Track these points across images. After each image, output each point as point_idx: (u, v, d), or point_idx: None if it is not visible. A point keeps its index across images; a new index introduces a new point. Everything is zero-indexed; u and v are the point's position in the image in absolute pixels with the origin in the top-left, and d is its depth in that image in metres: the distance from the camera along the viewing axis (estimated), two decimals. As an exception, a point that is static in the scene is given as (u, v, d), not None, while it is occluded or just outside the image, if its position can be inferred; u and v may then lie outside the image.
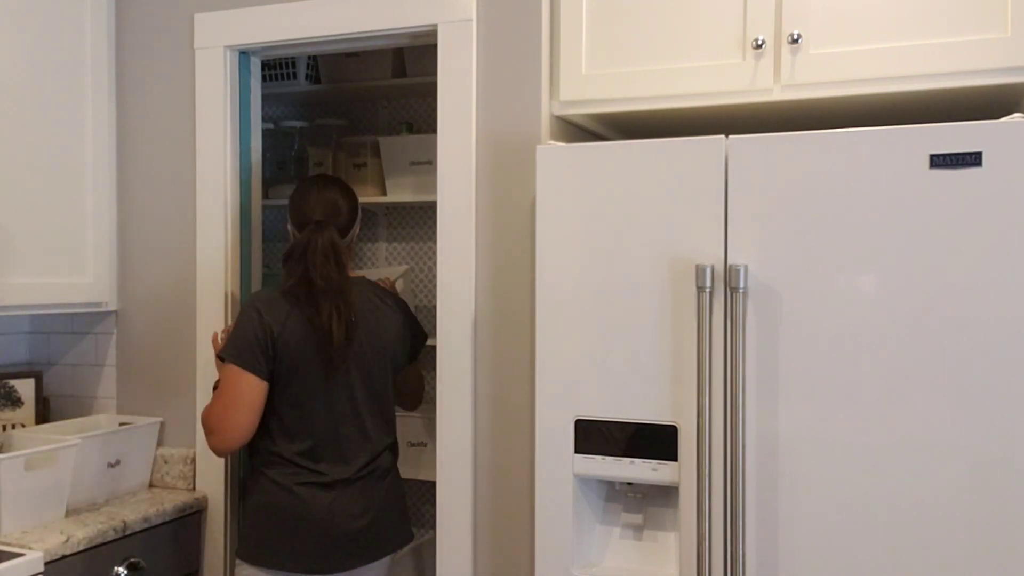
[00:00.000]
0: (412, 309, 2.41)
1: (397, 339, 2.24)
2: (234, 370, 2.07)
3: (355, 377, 2.15)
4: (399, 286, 2.35)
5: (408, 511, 2.43)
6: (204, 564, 2.47)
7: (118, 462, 2.42)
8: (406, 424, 2.94)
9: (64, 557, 2.05)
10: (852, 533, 1.68)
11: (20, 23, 2.34)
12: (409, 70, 2.99)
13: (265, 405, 2.11)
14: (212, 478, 2.47)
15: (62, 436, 2.28)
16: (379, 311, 2.21)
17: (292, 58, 3.04)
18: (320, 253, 2.10)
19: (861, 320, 1.67)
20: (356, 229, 2.26)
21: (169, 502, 2.37)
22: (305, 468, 2.12)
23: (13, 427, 2.54)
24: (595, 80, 2.05)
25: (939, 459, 1.63)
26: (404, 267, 2.17)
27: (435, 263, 2.29)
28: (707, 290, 1.74)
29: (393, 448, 2.27)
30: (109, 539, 2.17)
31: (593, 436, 1.86)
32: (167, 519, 2.34)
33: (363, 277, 2.29)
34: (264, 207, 2.65)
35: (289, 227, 2.26)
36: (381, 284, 2.35)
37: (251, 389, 2.07)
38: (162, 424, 2.54)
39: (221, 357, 2.11)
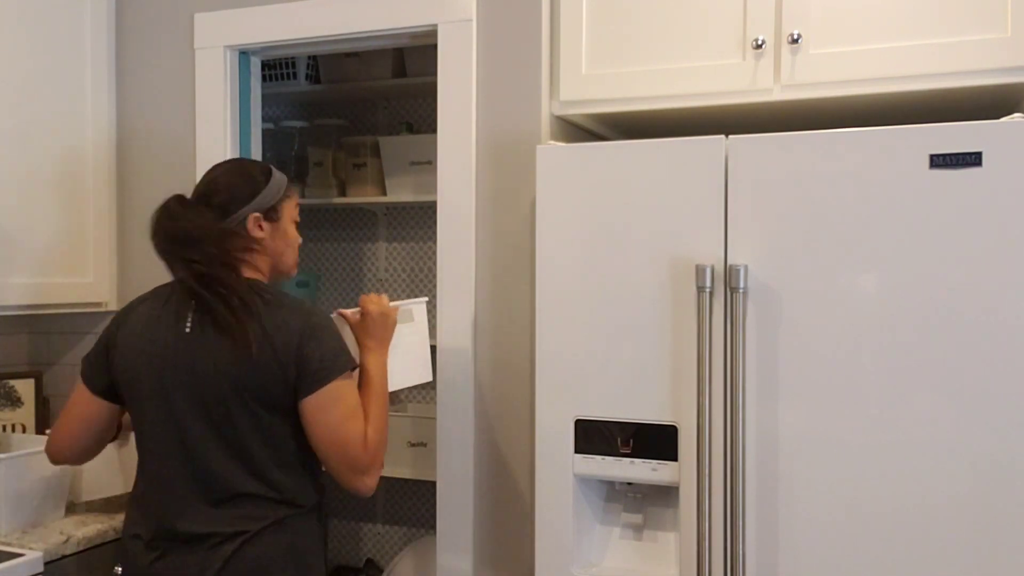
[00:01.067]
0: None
1: (262, 366, 1.66)
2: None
3: (188, 405, 1.68)
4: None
5: None
6: (204, 564, 2.46)
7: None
8: (406, 424, 2.94)
9: (64, 557, 2.05)
10: (852, 533, 1.68)
11: (20, 23, 2.33)
12: (409, 70, 2.99)
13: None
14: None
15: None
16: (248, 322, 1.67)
17: (292, 58, 3.04)
18: (154, 226, 1.73)
19: (861, 320, 1.67)
20: (246, 211, 1.76)
21: (169, 502, 2.37)
22: (133, 516, 1.77)
23: (13, 428, 2.54)
24: (595, 80, 2.05)
25: (939, 459, 1.63)
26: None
27: (435, 263, 2.29)
28: (707, 290, 1.74)
29: (272, 507, 1.69)
30: (108, 539, 2.17)
31: (593, 436, 1.86)
32: (167, 519, 2.33)
33: (258, 281, 1.78)
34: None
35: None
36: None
37: (79, 399, 1.85)
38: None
39: None
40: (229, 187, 1.78)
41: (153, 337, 1.74)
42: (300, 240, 1.90)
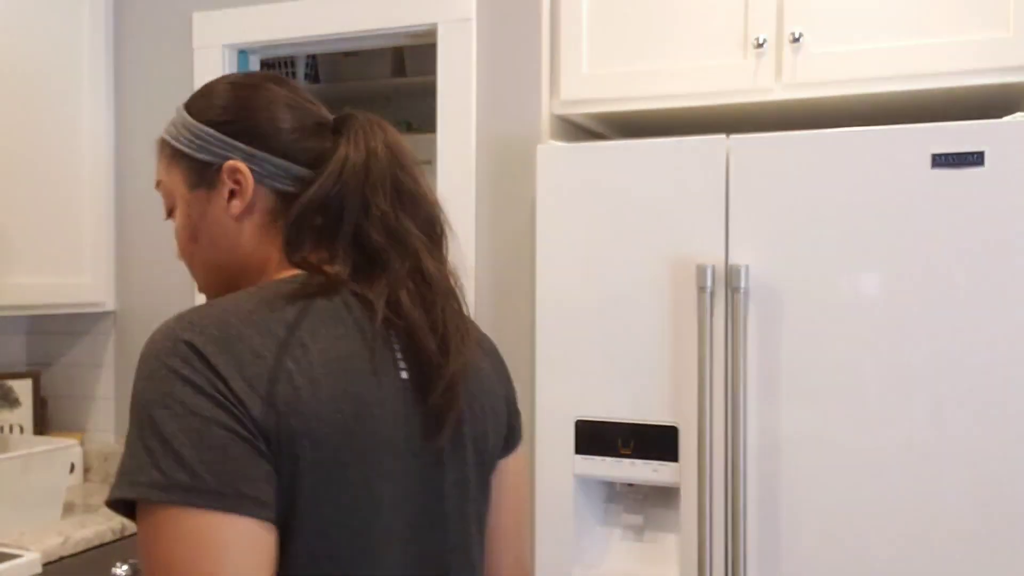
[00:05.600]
0: None
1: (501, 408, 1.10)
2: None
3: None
4: None
5: None
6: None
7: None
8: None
9: (62, 559, 2.04)
10: (853, 534, 1.67)
11: (18, 22, 2.33)
12: (409, 70, 2.99)
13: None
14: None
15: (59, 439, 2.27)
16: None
17: (291, 57, 3.04)
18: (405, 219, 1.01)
19: (863, 320, 1.67)
20: None
21: (167, 503, 2.36)
22: None
23: (11, 428, 2.54)
24: (596, 79, 2.05)
25: (940, 459, 1.62)
26: None
27: (435, 263, 2.27)
28: (708, 290, 1.73)
29: None
30: (107, 540, 2.16)
31: (593, 437, 1.86)
32: (165, 520, 2.33)
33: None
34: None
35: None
36: None
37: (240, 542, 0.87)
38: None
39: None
40: None
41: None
42: None
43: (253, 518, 0.82)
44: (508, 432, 1.11)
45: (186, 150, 1.01)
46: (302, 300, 0.92)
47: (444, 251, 1.04)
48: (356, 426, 0.89)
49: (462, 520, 1.01)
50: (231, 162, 0.99)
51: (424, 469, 0.96)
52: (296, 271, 0.97)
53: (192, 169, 1.01)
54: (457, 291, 1.03)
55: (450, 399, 0.96)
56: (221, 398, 0.83)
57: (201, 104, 1.03)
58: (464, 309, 1.03)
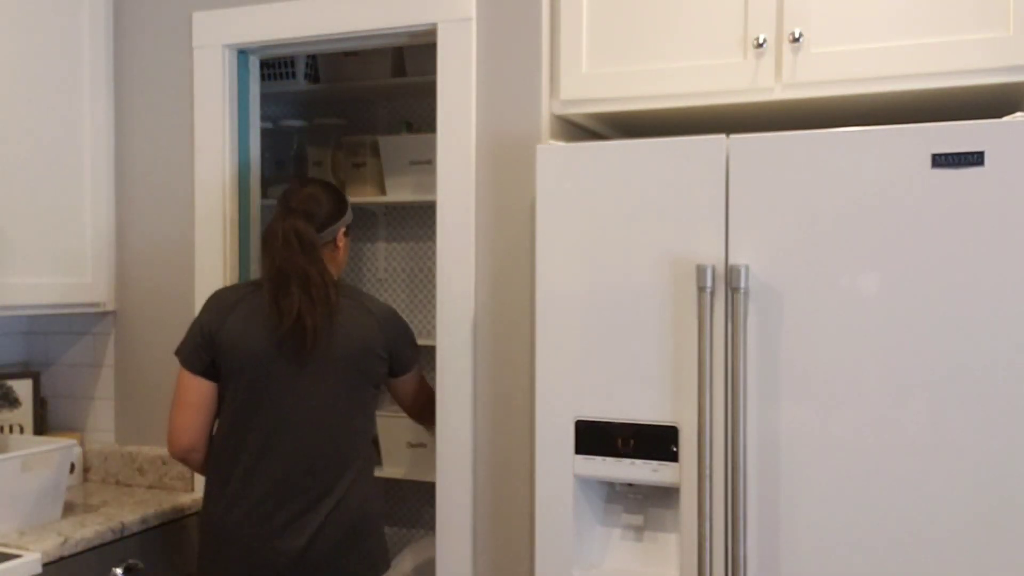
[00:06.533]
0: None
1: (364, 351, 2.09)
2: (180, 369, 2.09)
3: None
4: None
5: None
6: (203, 565, 2.46)
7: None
8: (406, 424, 2.93)
9: (62, 559, 2.04)
10: (854, 534, 1.67)
11: (17, 22, 2.33)
12: (409, 69, 2.98)
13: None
14: (211, 479, 2.46)
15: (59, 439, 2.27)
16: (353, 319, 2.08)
17: (291, 57, 3.03)
18: (280, 238, 2.02)
19: (863, 320, 1.67)
20: (339, 228, 2.15)
21: (167, 503, 2.36)
22: None
23: (11, 428, 2.54)
24: (596, 79, 2.05)
25: (941, 460, 1.62)
26: None
27: (435, 263, 2.28)
28: (708, 290, 1.73)
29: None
30: (107, 540, 2.16)
31: (593, 437, 1.86)
32: (165, 520, 2.33)
33: (352, 286, 2.19)
34: (263, 207, 2.64)
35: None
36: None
37: (191, 385, 2.07)
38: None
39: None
40: (329, 202, 2.13)
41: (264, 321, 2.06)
42: None
43: (203, 377, 2.07)
44: (392, 362, 2.13)
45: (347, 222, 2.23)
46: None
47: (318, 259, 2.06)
48: (255, 346, 2.03)
49: (318, 397, 2.03)
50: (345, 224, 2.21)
51: (291, 374, 2.03)
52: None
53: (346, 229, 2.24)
54: (328, 285, 2.04)
55: (305, 339, 1.99)
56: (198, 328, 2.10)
57: (335, 195, 2.20)
58: (331, 292, 2.02)
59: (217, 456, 2.07)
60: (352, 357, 2.05)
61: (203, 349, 2.06)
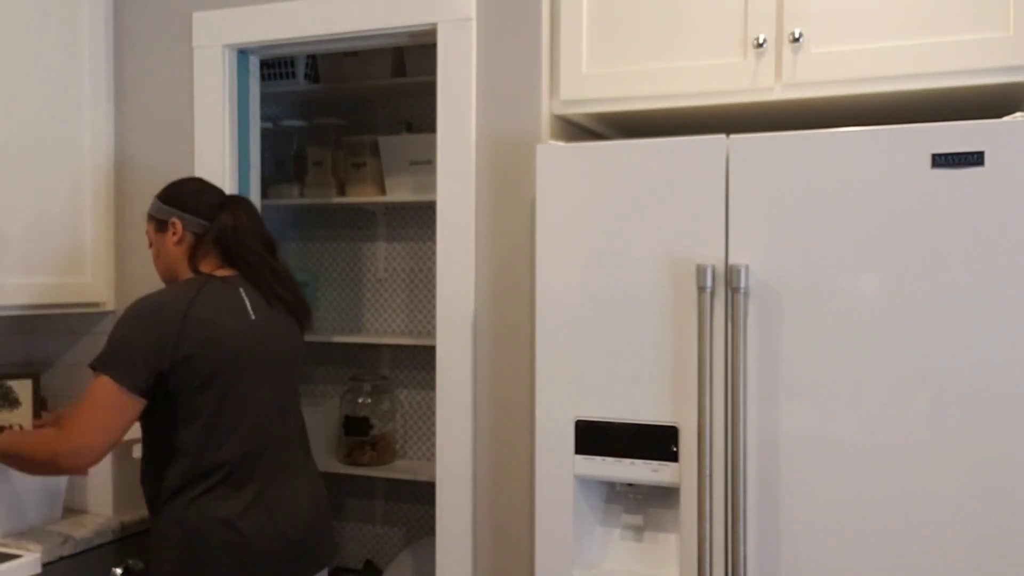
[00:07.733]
0: None
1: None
2: None
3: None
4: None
5: None
6: (203, 565, 2.45)
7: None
8: (405, 424, 2.94)
9: (62, 559, 2.04)
10: (854, 535, 1.67)
11: (17, 22, 2.33)
12: (408, 69, 2.99)
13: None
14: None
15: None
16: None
17: (291, 57, 3.04)
18: (249, 232, 2.03)
19: (863, 320, 1.67)
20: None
21: (167, 503, 2.36)
22: None
23: (11, 428, 2.53)
24: (595, 79, 2.05)
25: (940, 459, 1.62)
26: None
27: (435, 263, 2.28)
28: (708, 290, 1.73)
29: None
30: (107, 540, 2.16)
31: (593, 437, 1.86)
32: (165, 520, 2.32)
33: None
34: (263, 207, 2.64)
35: (182, 224, 2.02)
36: None
37: (122, 403, 1.88)
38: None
39: None
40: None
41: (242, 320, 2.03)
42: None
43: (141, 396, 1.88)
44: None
45: (153, 213, 2.10)
46: (196, 286, 1.96)
47: (280, 257, 2.11)
48: (221, 337, 1.92)
49: (283, 384, 2.05)
50: (173, 218, 2.05)
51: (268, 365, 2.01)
52: (193, 275, 2.02)
53: (158, 222, 2.08)
54: (290, 277, 2.11)
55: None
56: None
57: (161, 193, 2.10)
58: (295, 286, 2.10)
59: (228, 462, 1.92)
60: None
61: (152, 362, 1.84)
